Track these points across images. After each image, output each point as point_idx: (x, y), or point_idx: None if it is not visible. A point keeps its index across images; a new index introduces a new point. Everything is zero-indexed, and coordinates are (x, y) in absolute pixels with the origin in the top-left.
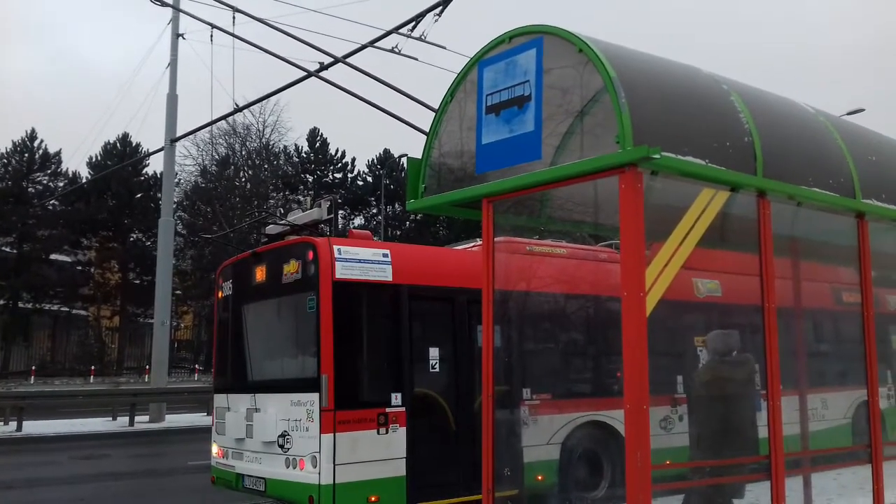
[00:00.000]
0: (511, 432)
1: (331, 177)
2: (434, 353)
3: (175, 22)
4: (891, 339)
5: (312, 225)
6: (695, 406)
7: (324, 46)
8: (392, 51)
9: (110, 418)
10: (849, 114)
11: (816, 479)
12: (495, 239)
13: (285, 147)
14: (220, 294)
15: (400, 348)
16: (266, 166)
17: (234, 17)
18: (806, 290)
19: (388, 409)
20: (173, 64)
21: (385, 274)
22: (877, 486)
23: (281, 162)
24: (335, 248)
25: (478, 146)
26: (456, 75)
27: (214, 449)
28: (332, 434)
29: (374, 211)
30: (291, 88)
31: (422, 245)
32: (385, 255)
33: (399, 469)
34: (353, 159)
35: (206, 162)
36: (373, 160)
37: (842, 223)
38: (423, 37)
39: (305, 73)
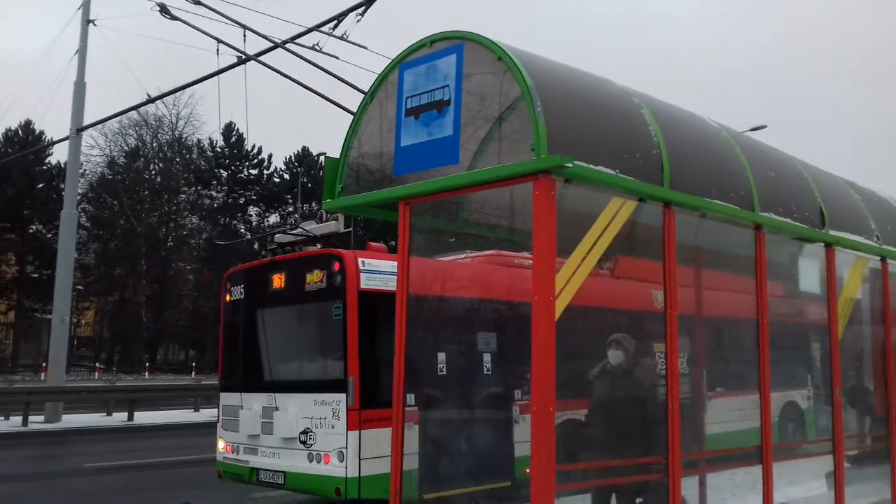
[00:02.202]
0: (505, 430)
1: (246, 173)
2: (441, 357)
3: (85, 7)
4: (811, 345)
5: (326, 237)
6: (609, 406)
7: (244, 40)
8: (313, 48)
9: (3, 418)
10: (752, 130)
11: (712, 478)
12: (486, 252)
13: (199, 141)
14: (228, 297)
15: (414, 352)
16: (178, 160)
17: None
18: (733, 298)
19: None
20: (82, 51)
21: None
22: (766, 486)
23: (194, 156)
24: (359, 260)
25: (396, 148)
26: (377, 76)
27: (221, 444)
28: (357, 431)
29: (291, 209)
30: (207, 81)
31: (428, 258)
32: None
33: (413, 463)
34: (270, 156)
35: (115, 153)
36: (290, 157)
37: (743, 235)
38: (344, 36)
39: (233, 62)
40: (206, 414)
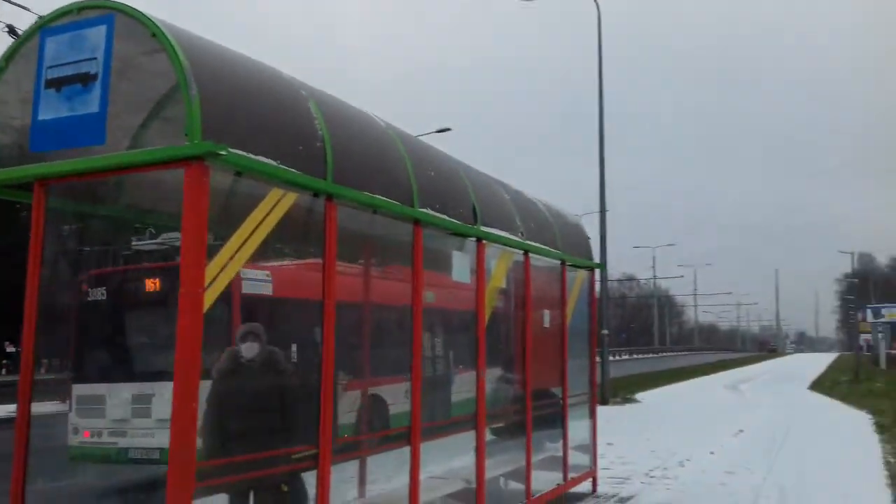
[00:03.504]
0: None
1: None
2: (293, 348)
3: None
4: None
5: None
6: (244, 399)
7: None
8: None
9: None
10: (438, 132)
11: (373, 459)
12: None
13: None
14: (87, 298)
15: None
16: None
17: None
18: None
19: None
20: None
21: (268, 289)
22: (414, 463)
23: None
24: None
25: (34, 122)
26: (14, 41)
27: (76, 431)
28: None
29: None
30: None
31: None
32: (267, 275)
33: None
34: None
35: None
36: None
37: (407, 230)
38: None
39: None
40: None
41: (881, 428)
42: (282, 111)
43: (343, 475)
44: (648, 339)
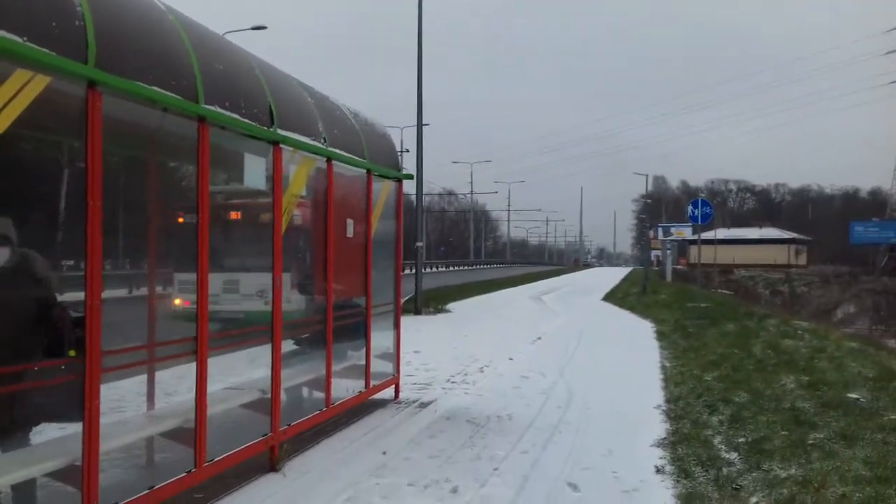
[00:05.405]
0: None
1: None
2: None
3: None
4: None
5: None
6: None
7: None
8: None
9: None
10: (253, 29)
11: (163, 374)
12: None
13: None
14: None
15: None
16: None
17: None
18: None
19: None
20: None
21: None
22: (201, 376)
23: None
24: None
25: None
26: None
27: (179, 301)
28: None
29: None
30: None
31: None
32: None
33: None
34: None
35: None
36: None
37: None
38: None
39: None
40: None
41: (661, 335)
42: None
43: (140, 388)
44: (465, 252)
